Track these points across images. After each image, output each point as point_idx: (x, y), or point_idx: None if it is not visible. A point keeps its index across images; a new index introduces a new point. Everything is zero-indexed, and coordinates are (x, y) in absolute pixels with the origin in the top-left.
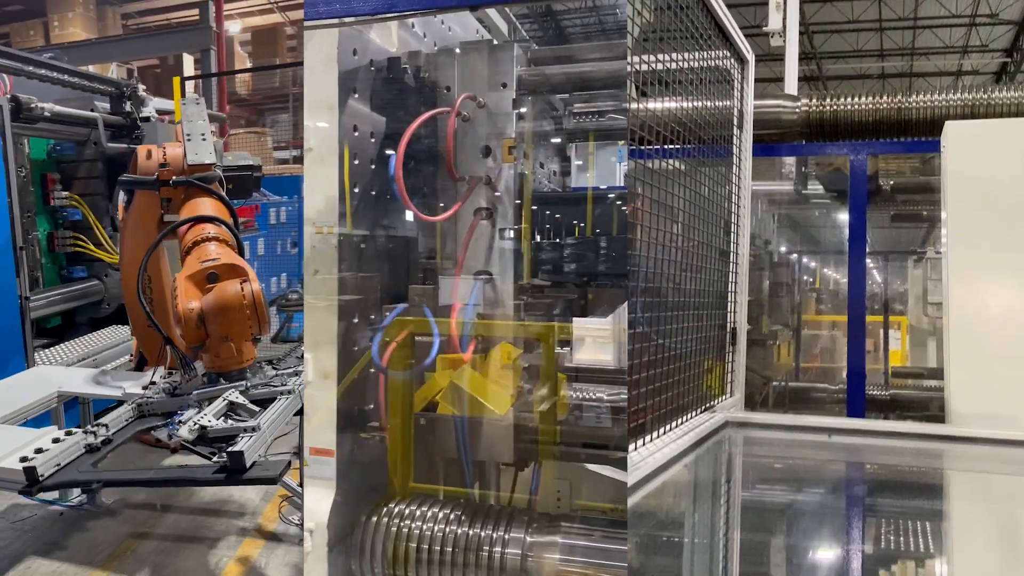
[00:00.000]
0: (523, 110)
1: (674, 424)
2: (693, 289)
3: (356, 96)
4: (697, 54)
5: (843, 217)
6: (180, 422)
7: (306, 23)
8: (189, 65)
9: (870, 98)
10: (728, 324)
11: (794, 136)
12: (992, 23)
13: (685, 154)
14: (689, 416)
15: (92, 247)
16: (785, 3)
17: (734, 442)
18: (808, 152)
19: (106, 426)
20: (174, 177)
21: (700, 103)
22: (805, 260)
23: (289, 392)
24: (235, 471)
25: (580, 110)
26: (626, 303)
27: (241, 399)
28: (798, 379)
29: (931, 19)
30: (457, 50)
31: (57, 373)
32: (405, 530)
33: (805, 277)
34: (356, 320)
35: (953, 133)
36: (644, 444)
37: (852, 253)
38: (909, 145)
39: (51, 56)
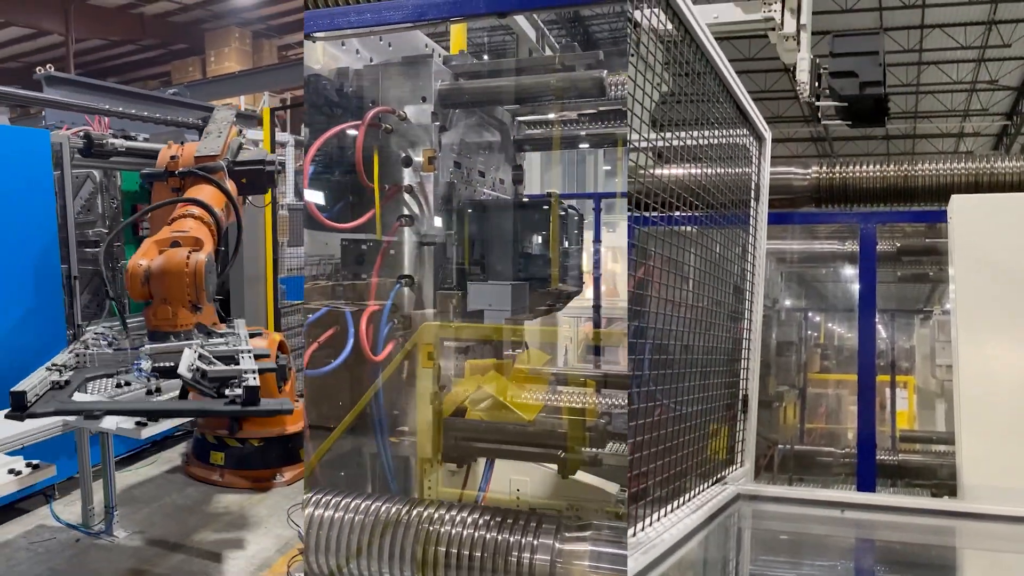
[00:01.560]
0: (455, 121)
1: (686, 498)
2: (702, 359)
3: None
4: (720, 132)
5: (849, 272)
6: (140, 368)
7: (306, 35)
8: None
9: (878, 166)
10: (740, 391)
11: (804, 202)
12: (992, 88)
13: (695, 221)
14: (700, 490)
15: None
16: (799, 7)
17: (746, 517)
18: (820, 220)
19: (63, 367)
20: (180, 168)
21: (713, 172)
22: (810, 315)
23: (248, 351)
24: (250, 403)
25: (529, 120)
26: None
27: (206, 353)
28: (803, 442)
29: (933, 85)
30: (380, 67)
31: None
32: (434, 534)
33: (811, 332)
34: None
35: (959, 206)
36: (659, 519)
37: (862, 320)
38: (917, 215)
39: (174, 92)
